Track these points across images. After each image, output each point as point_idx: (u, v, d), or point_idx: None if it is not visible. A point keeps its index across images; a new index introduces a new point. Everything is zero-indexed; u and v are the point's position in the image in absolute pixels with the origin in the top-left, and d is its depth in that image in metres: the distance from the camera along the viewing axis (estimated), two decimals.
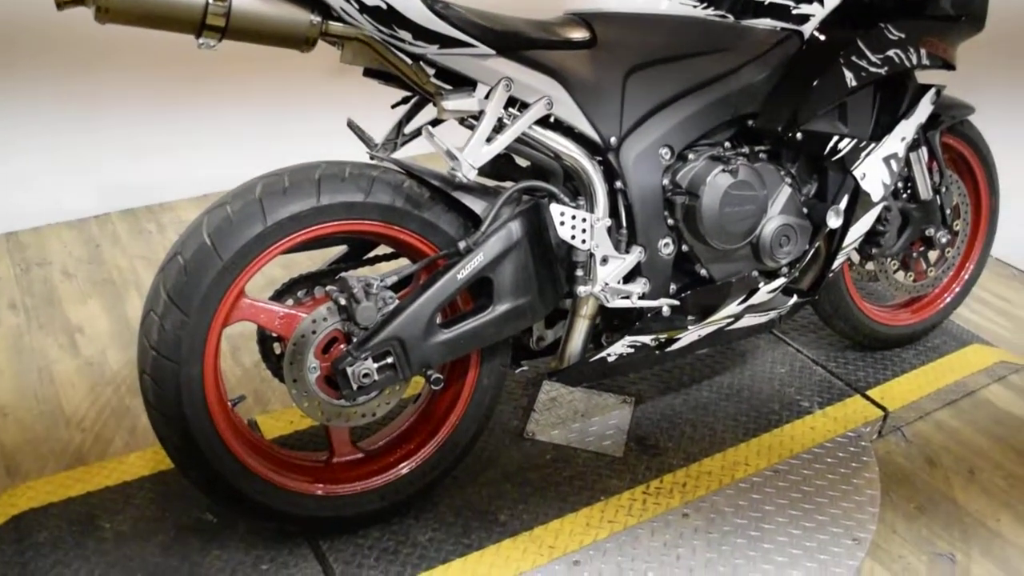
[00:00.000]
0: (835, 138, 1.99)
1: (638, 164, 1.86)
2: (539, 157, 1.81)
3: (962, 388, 2.59)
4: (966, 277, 2.70)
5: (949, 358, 2.69)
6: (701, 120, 1.91)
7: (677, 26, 1.87)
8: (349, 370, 1.67)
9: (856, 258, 2.44)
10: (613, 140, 1.83)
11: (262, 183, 1.64)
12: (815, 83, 1.94)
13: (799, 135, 1.95)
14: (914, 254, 2.50)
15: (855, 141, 2.02)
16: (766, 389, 2.46)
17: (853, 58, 1.97)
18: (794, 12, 1.94)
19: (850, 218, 2.09)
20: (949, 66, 2.21)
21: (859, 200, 2.08)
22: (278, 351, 1.79)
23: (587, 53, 1.82)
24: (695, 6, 1.86)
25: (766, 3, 1.91)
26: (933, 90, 2.17)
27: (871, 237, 2.33)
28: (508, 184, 1.83)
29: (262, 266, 1.65)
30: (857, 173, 2.04)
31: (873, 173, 2.07)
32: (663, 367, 2.50)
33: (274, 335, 1.76)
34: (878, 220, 2.30)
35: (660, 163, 1.88)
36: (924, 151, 2.35)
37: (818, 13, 1.97)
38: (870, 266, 2.47)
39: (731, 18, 1.89)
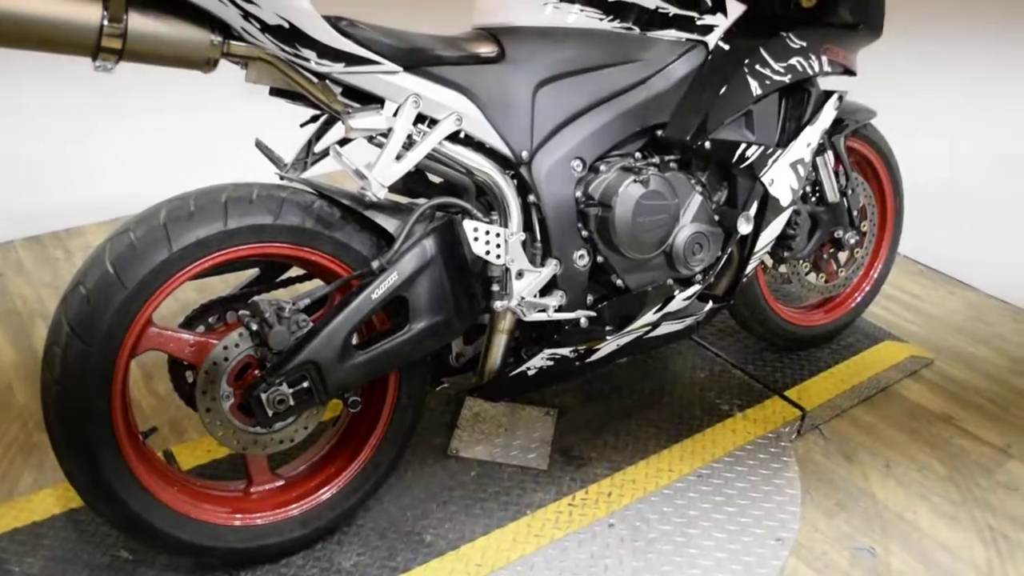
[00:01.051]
0: (743, 146, 2.03)
1: (550, 177, 1.87)
2: (451, 173, 1.80)
3: (876, 384, 2.65)
4: (875, 276, 2.77)
5: (863, 355, 2.76)
6: (611, 132, 1.92)
7: (584, 39, 1.88)
8: (263, 396, 1.63)
9: (769, 262, 2.49)
10: (524, 154, 1.83)
11: (167, 208, 1.60)
12: (721, 92, 1.97)
13: (707, 144, 1.98)
14: (825, 256, 2.56)
15: (762, 148, 2.06)
16: (687, 394, 2.49)
17: (757, 67, 2.01)
18: (698, 23, 1.97)
19: (760, 223, 2.13)
20: (850, 72, 2.27)
21: (768, 206, 2.12)
22: (190, 379, 1.74)
23: (496, 68, 1.81)
24: (601, 19, 1.88)
25: (671, 15, 1.93)
26: (836, 96, 2.23)
27: (782, 241, 2.38)
28: (421, 201, 1.82)
29: (169, 293, 1.61)
30: (765, 179, 2.08)
31: (781, 179, 2.11)
32: (585, 377, 2.50)
33: (185, 363, 1.71)
34: (788, 224, 2.34)
35: (572, 175, 1.89)
36: (830, 155, 2.41)
37: (721, 24, 2.00)
38: (783, 269, 2.52)
39: (637, 30, 1.91)
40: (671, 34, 1.94)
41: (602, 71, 1.89)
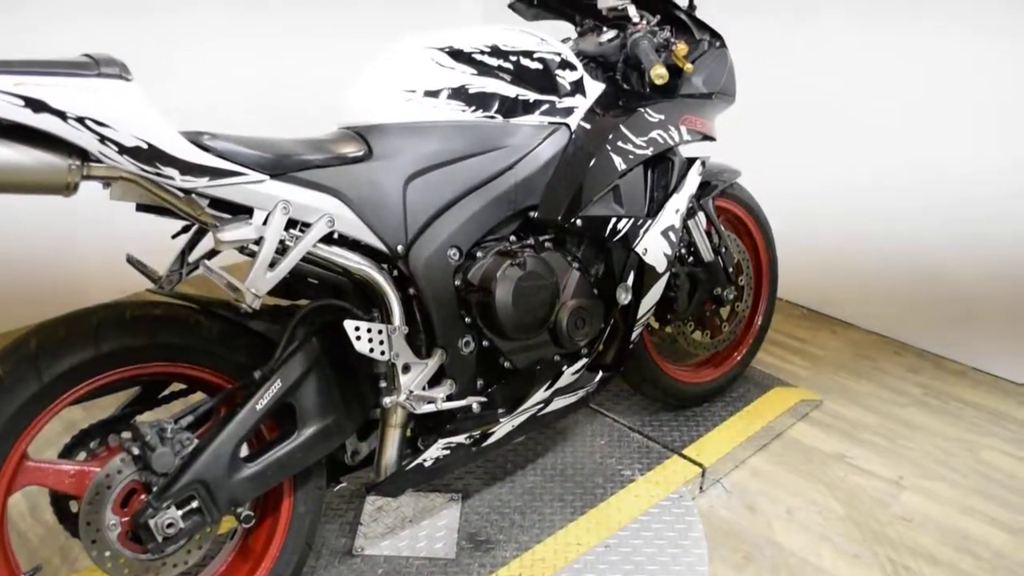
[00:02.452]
0: (613, 219, 2.10)
1: (428, 268, 1.89)
2: (328, 275, 1.80)
3: (771, 431, 2.73)
4: (758, 325, 2.87)
5: (755, 405, 2.85)
6: (484, 218, 1.96)
7: (450, 132, 1.92)
8: (152, 522, 1.58)
9: (655, 324, 2.56)
10: (400, 248, 1.85)
11: (36, 337, 1.55)
12: (587, 171, 2.04)
13: (578, 222, 2.04)
14: (708, 313, 2.65)
15: (632, 220, 2.13)
16: (588, 463, 2.51)
17: (619, 143, 2.09)
18: (559, 106, 2.03)
19: (640, 292, 2.19)
20: (709, 138, 2.37)
21: (645, 274, 2.18)
22: (75, 509, 1.68)
23: (364, 167, 1.83)
24: (464, 111, 1.92)
25: (531, 101, 1.99)
26: (699, 162, 2.33)
27: (665, 304, 2.45)
28: (303, 302, 1.81)
29: (44, 425, 1.56)
30: (639, 249, 2.15)
31: (654, 247, 2.18)
32: (487, 457, 2.50)
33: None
34: (668, 287, 2.42)
35: (450, 264, 1.91)
36: (701, 217, 2.51)
37: (581, 105, 2.07)
38: (669, 330, 2.59)
39: (500, 118, 1.96)
40: (533, 119, 2.00)
41: (470, 160, 1.94)
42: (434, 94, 1.90)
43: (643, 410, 2.77)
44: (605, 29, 2.30)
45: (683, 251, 2.51)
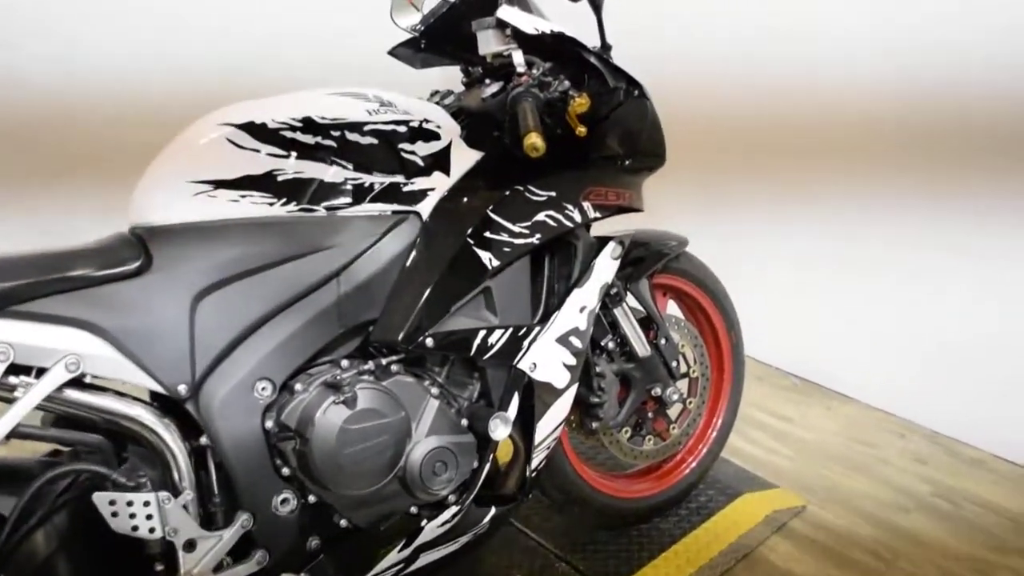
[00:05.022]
0: (482, 333, 1.63)
1: (227, 410, 1.45)
2: (72, 436, 1.39)
3: (736, 551, 2.23)
4: (718, 424, 2.37)
5: (718, 518, 2.35)
6: (305, 340, 1.51)
7: (254, 232, 1.48)
8: None
9: (576, 426, 2.08)
10: (183, 388, 1.42)
11: None
12: (441, 273, 1.58)
13: (428, 341, 1.58)
14: (649, 414, 2.16)
15: (511, 331, 1.67)
16: None
17: (488, 234, 1.63)
18: (405, 190, 1.58)
19: (531, 416, 1.73)
20: (630, 210, 1.90)
21: (537, 395, 1.72)
22: None
23: (136, 284, 1.41)
24: (272, 204, 1.48)
25: (365, 186, 1.54)
26: (614, 243, 1.86)
27: (589, 410, 1.99)
28: (57, 459, 1.40)
29: None
30: (524, 365, 1.68)
31: (547, 360, 1.72)
32: None
33: None
34: (591, 391, 1.95)
35: (257, 403, 1.48)
36: (632, 301, 2.04)
37: (440, 185, 1.62)
38: (598, 439, 2.11)
39: (321, 211, 1.52)
40: (369, 209, 1.55)
41: (282, 267, 1.49)
42: (232, 184, 1.47)
43: (577, 529, 2.28)
44: (488, 81, 1.84)
45: (611, 345, 2.03)
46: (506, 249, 1.64)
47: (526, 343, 1.68)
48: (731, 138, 3.06)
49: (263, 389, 1.48)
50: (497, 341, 1.64)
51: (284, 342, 1.50)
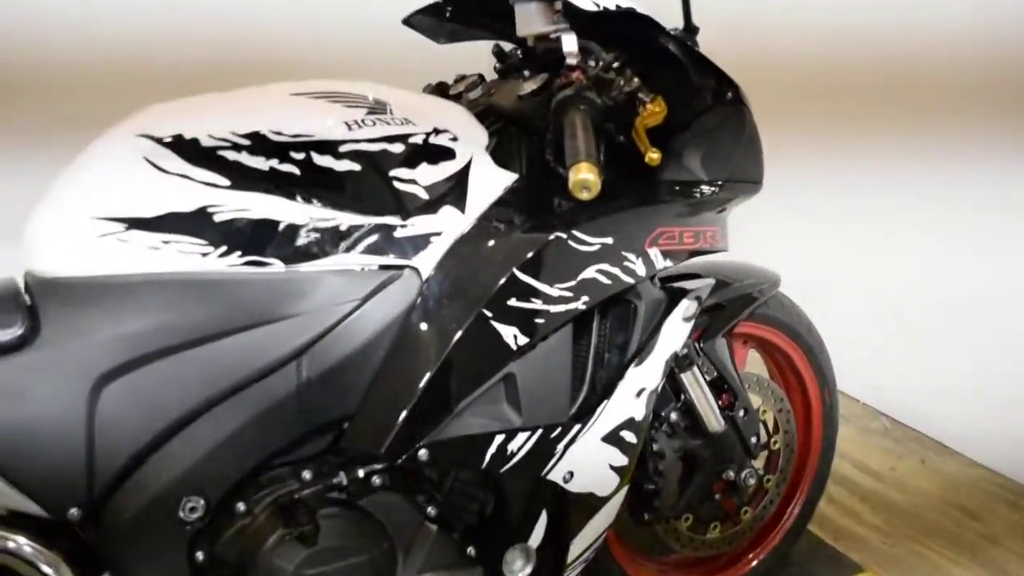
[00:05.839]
0: (499, 439, 1.17)
1: (139, 538, 1.03)
2: None
3: None
4: (797, 510, 1.89)
5: None
6: (251, 444, 1.08)
7: (183, 292, 1.04)
8: None
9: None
10: (75, 511, 1.00)
11: None
12: (446, 358, 1.11)
13: (422, 453, 1.12)
14: (716, 496, 1.70)
15: (539, 432, 1.20)
16: None
17: (514, 301, 1.16)
18: (398, 236, 1.11)
19: (564, 530, 1.28)
20: (708, 252, 1.42)
21: (571, 512, 1.27)
22: None
23: (16, 361, 1.00)
24: (207, 253, 1.03)
25: (341, 229, 1.08)
26: (686, 302, 1.38)
27: (642, 499, 1.54)
28: None
29: None
30: (557, 476, 1.23)
31: (589, 465, 1.26)
32: None
33: None
34: (645, 476, 1.51)
35: (184, 528, 1.05)
36: (705, 366, 1.57)
37: (448, 230, 1.15)
38: (657, 529, 1.67)
39: (278, 264, 1.06)
40: (346, 262, 1.09)
41: (220, 343, 1.05)
42: (152, 225, 1.03)
43: None
44: (528, 73, 1.35)
45: (674, 416, 1.56)
46: (538, 321, 1.17)
47: (560, 447, 1.22)
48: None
49: (191, 510, 1.06)
50: (520, 448, 1.18)
51: (221, 446, 1.06)
